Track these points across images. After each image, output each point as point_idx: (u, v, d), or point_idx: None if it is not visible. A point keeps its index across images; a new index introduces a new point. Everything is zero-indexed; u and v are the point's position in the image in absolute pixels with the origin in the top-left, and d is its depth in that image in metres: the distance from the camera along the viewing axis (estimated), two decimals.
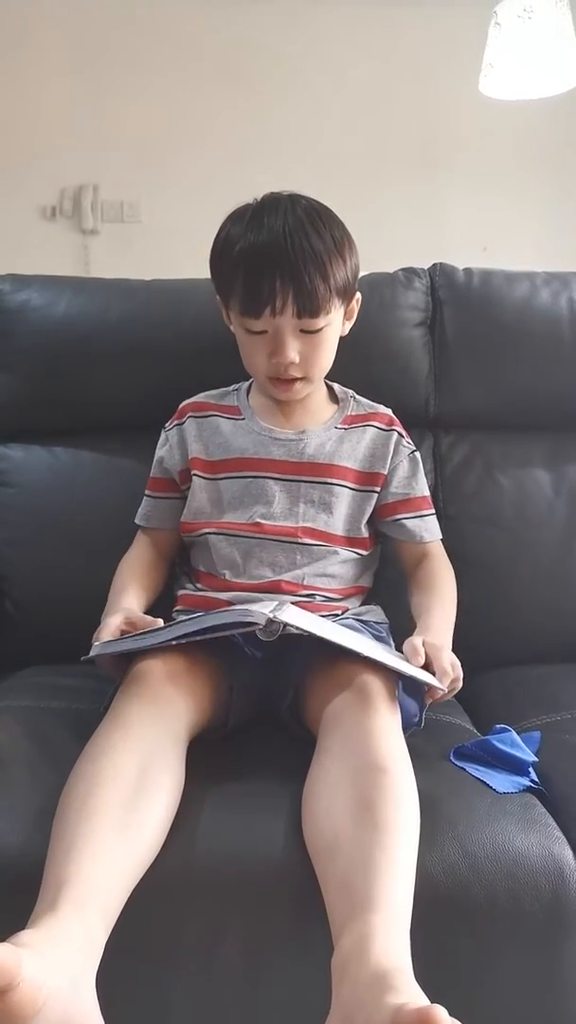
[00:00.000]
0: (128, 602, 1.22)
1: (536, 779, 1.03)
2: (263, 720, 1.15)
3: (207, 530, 1.28)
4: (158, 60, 3.72)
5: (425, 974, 0.75)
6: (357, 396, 1.38)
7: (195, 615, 1.10)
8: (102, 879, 0.81)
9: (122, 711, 0.99)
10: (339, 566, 1.27)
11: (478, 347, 1.52)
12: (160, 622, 1.11)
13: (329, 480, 1.29)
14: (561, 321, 1.52)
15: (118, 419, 1.51)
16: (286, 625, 0.99)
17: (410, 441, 1.36)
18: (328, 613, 1.22)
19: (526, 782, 1.02)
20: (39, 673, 1.34)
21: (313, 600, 1.23)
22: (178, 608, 1.29)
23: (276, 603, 1.09)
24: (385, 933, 0.77)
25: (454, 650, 1.12)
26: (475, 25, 2.93)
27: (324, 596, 1.25)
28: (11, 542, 1.46)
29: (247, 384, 1.38)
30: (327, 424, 1.33)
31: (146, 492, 1.37)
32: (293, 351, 1.22)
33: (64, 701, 1.21)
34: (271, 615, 0.99)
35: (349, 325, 1.32)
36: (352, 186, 3.18)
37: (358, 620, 1.23)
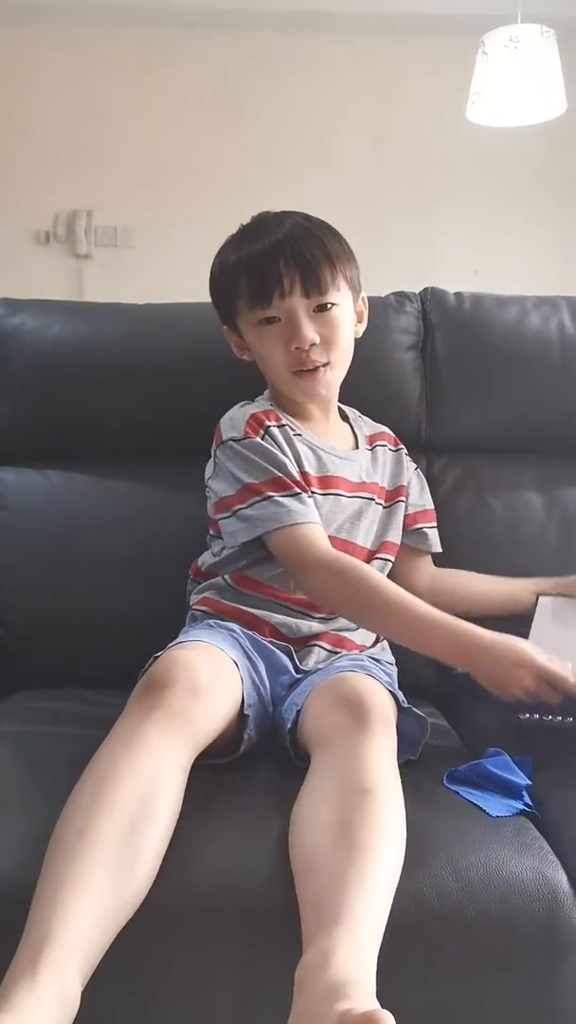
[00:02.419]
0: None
1: (530, 802, 1.03)
2: (259, 747, 1.14)
3: None
4: (153, 88, 3.76)
5: (419, 999, 0.75)
6: (361, 415, 1.42)
7: None
8: (86, 930, 0.78)
9: (132, 728, 0.93)
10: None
11: (469, 370, 1.53)
12: None
13: (376, 499, 1.33)
14: (551, 344, 1.53)
15: (111, 442, 1.52)
16: None
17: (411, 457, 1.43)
18: (349, 651, 1.23)
19: (520, 805, 1.02)
20: (30, 698, 1.33)
21: (342, 634, 1.24)
22: (204, 609, 1.26)
23: None
24: (348, 947, 0.77)
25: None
26: (463, 54, 2.98)
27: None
28: (3, 565, 1.46)
29: (269, 400, 1.33)
30: (361, 444, 1.36)
31: (294, 491, 1.20)
32: (310, 330, 1.22)
33: (56, 726, 1.20)
34: None
35: (362, 328, 1.34)
36: (343, 211, 3.19)
37: (372, 659, 1.23)
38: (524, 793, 1.04)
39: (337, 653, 1.24)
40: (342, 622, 1.24)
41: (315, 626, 1.23)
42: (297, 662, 1.21)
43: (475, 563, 1.47)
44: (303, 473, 1.25)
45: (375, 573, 1.18)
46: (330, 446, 1.31)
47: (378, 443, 1.39)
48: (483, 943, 0.89)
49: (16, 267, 3.61)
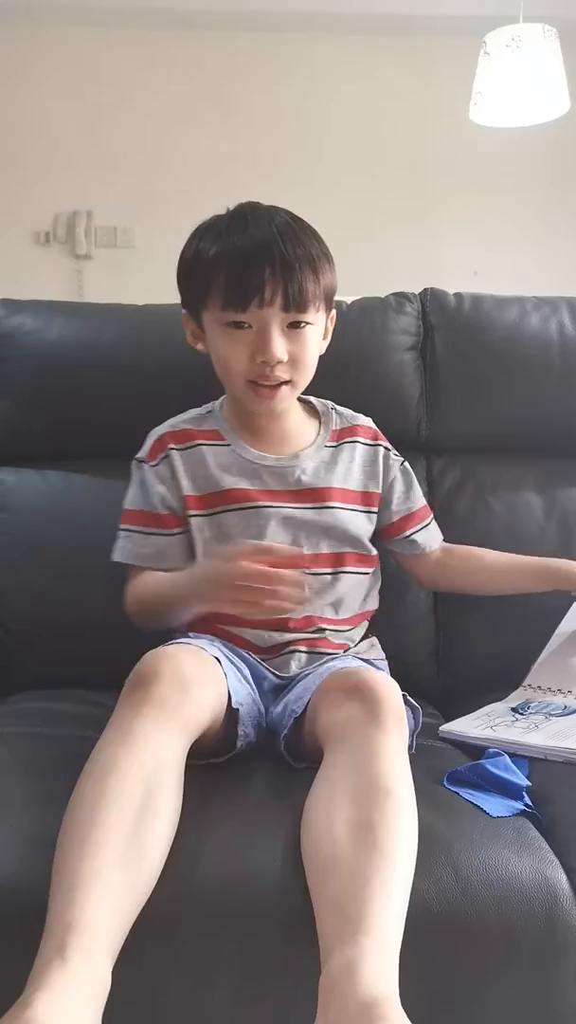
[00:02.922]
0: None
1: (530, 803, 1.03)
2: (258, 749, 1.14)
3: None
4: (153, 88, 3.76)
5: (418, 998, 0.75)
6: (337, 407, 1.36)
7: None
8: (107, 920, 0.80)
9: (126, 723, 0.93)
10: (347, 589, 1.27)
11: (469, 371, 1.53)
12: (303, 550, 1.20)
13: (327, 504, 1.26)
14: (551, 345, 1.53)
15: (111, 443, 1.51)
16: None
17: (396, 453, 1.36)
18: (331, 651, 1.22)
19: (520, 806, 1.02)
20: (30, 699, 1.33)
21: (323, 635, 1.23)
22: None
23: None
24: (375, 958, 0.76)
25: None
26: (466, 54, 2.98)
27: (333, 629, 1.24)
28: (2, 567, 1.46)
29: (219, 404, 1.33)
30: (316, 444, 1.30)
31: (152, 531, 1.25)
32: (281, 348, 1.17)
33: (55, 727, 1.20)
34: None
35: (326, 344, 1.29)
36: (345, 212, 3.21)
37: (359, 657, 1.23)
38: (524, 794, 1.04)
39: (319, 655, 1.22)
40: (313, 630, 1.23)
41: (287, 635, 1.21)
42: (275, 669, 1.20)
43: None
44: (223, 491, 1.23)
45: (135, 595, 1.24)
46: (259, 455, 1.26)
47: (347, 439, 1.31)
48: (483, 943, 0.89)
49: (16, 267, 3.62)
